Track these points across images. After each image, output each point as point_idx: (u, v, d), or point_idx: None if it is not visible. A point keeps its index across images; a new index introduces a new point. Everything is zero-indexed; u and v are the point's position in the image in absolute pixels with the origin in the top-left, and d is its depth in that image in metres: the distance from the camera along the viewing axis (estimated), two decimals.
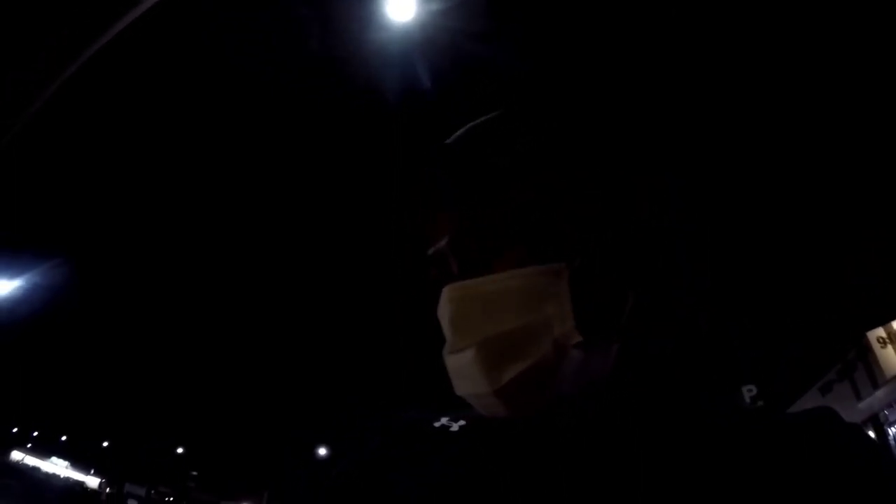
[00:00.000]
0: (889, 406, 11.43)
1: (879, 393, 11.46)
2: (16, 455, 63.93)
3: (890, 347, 11.02)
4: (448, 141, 0.62)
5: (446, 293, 0.57)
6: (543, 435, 0.55)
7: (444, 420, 0.63)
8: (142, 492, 53.40)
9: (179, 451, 52.71)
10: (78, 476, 64.40)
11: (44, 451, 71.37)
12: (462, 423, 0.62)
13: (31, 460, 65.95)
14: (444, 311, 0.57)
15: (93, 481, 60.53)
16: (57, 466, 66.00)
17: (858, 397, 11.83)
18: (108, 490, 50.76)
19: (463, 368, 0.55)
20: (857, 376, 12.19)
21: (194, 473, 54.96)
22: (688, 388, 0.56)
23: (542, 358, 0.53)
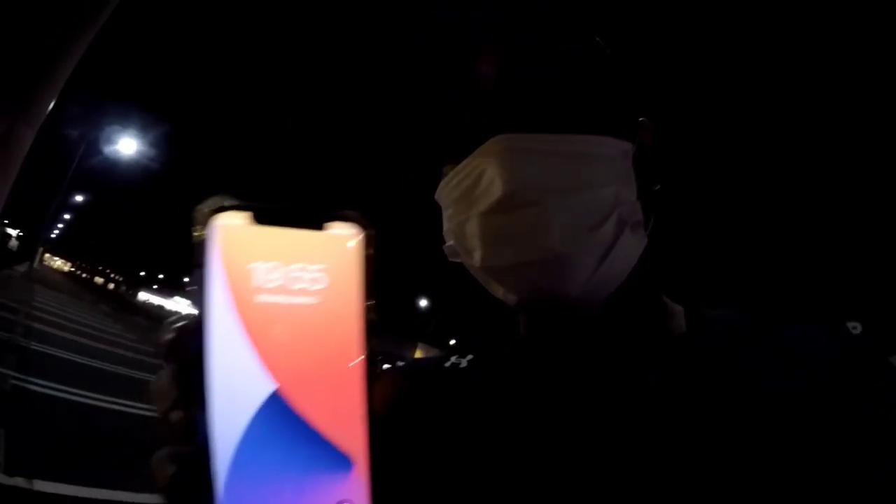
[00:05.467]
0: None
1: None
2: (142, 296, 69.46)
3: None
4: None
5: (504, 141, 0.49)
6: (560, 356, 0.53)
7: (452, 359, 0.60)
8: None
9: None
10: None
11: (168, 291, 77.93)
12: (469, 357, 0.60)
13: (155, 300, 71.82)
14: (496, 162, 0.48)
15: None
16: (179, 305, 71.63)
17: None
18: None
19: (516, 227, 0.48)
20: None
21: None
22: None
23: (606, 232, 0.48)
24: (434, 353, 0.62)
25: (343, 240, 0.33)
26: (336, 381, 0.31)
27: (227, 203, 0.31)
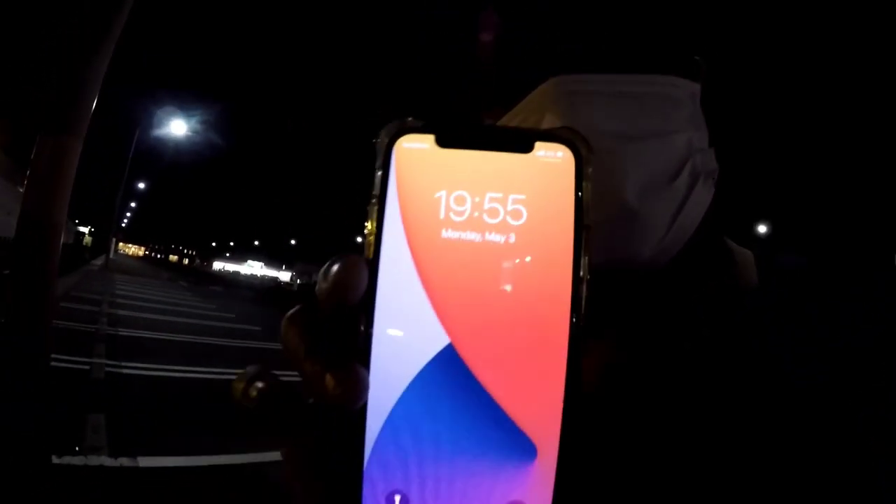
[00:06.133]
0: None
1: None
2: (217, 265, 72.47)
3: None
4: None
5: (562, 83, 0.43)
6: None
7: None
8: None
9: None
10: (272, 273, 72.35)
11: (241, 257, 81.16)
12: None
13: (230, 266, 74.94)
14: (555, 107, 0.43)
15: (285, 276, 67.72)
16: (253, 268, 74.54)
17: None
18: (298, 282, 56.09)
19: None
20: None
21: None
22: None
23: (680, 184, 0.44)
24: None
25: (551, 165, 0.26)
26: (530, 343, 0.25)
27: (409, 123, 0.26)
